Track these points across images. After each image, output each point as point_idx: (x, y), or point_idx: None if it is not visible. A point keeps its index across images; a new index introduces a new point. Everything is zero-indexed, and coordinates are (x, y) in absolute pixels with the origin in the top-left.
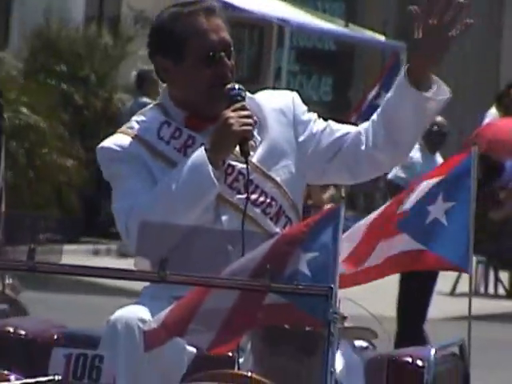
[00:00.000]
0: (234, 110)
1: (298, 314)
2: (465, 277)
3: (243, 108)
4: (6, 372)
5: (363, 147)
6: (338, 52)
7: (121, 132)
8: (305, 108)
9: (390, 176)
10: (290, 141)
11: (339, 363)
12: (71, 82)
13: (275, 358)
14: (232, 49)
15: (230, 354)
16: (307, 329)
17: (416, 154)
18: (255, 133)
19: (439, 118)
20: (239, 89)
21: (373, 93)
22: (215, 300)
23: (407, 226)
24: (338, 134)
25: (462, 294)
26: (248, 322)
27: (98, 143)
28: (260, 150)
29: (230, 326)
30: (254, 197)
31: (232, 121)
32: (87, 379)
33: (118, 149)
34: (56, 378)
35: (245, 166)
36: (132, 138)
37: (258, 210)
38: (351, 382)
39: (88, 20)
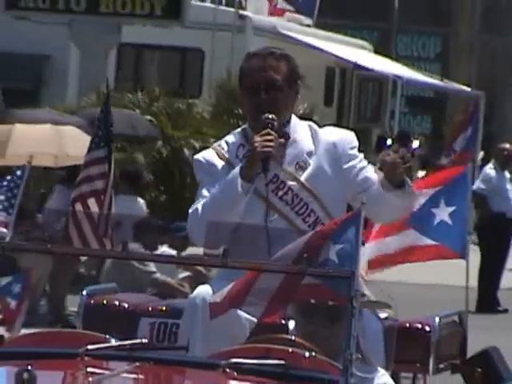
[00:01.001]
0: (260, 135)
1: (328, 291)
2: None
3: (268, 133)
4: (106, 336)
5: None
6: (436, 98)
7: (212, 148)
8: (355, 144)
9: (474, 187)
10: (335, 167)
11: (362, 330)
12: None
13: (311, 326)
14: (279, 85)
15: (283, 321)
16: (335, 303)
17: (492, 171)
18: (306, 156)
19: (507, 145)
20: (272, 118)
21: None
22: (265, 280)
23: (415, 223)
24: (367, 180)
25: None
26: (290, 297)
27: None
28: (309, 171)
29: (276, 300)
30: (297, 208)
31: (256, 144)
32: (167, 342)
33: (203, 161)
34: (143, 341)
35: (295, 183)
36: (217, 153)
37: (299, 218)
38: (372, 344)
39: None
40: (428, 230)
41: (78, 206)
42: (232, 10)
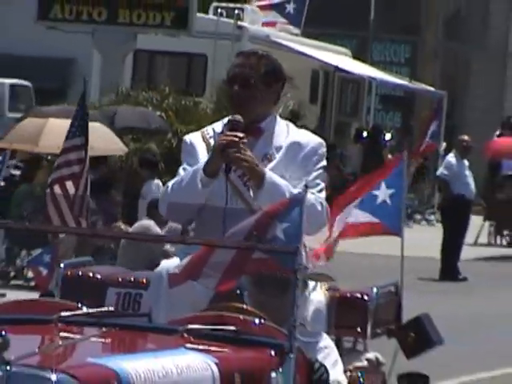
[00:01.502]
0: (225, 135)
1: (275, 265)
2: (483, 234)
3: (233, 135)
4: (79, 304)
5: None
6: (405, 97)
7: (200, 132)
8: (320, 152)
9: (438, 173)
10: (295, 165)
11: (307, 300)
12: None
13: (261, 296)
14: (253, 82)
15: (237, 292)
16: (282, 276)
17: (453, 159)
18: (274, 151)
19: (466, 137)
20: (237, 120)
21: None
22: (219, 255)
23: (361, 207)
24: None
25: (481, 244)
26: (241, 270)
27: None
28: (273, 163)
29: (229, 272)
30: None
31: (220, 142)
32: (131, 310)
33: (188, 142)
34: (110, 309)
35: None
36: (203, 137)
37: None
38: (316, 312)
39: None
40: (370, 208)
41: (57, 188)
42: (231, 21)
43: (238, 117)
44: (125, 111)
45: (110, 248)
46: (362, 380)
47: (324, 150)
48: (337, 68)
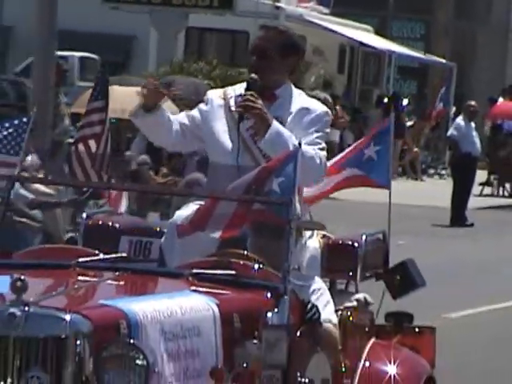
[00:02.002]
0: (244, 95)
1: (271, 215)
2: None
3: (251, 95)
4: (96, 251)
5: None
6: (420, 68)
7: (224, 89)
8: (324, 120)
9: (448, 134)
10: (300, 126)
11: (303, 247)
12: None
13: (259, 243)
14: (269, 53)
15: (239, 240)
16: (278, 225)
17: (461, 122)
18: (286, 115)
19: (473, 103)
20: (253, 79)
21: (441, 90)
22: (223, 207)
23: (349, 164)
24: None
25: (486, 195)
26: (242, 220)
27: None
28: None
29: (231, 223)
30: (263, 152)
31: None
32: (142, 256)
33: (208, 96)
34: (123, 255)
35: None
36: (224, 93)
37: (264, 161)
38: (311, 259)
39: None
40: (357, 163)
41: (81, 147)
42: (270, 2)
43: (255, 76)
44: (181, 80)
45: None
46: (350, 318)
47: (328, 118)
48: (361, 43)
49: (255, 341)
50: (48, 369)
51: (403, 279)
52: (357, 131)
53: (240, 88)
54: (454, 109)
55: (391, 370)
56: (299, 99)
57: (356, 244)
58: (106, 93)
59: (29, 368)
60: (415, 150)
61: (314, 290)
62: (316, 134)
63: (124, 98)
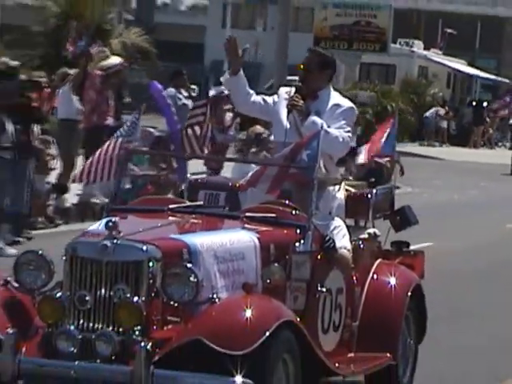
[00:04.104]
0: (291, 96)
1: (302, 176)
2: None
3: (296, 96)
4: (186, 201)
5: None
6: (494, 85)
7: (289, 89)
8: (349, 114)
9: (510, 122)
10: (332, 117)
11: (332, 199)
12: None
13: (296, 196)
14: (309, 67)
15: (281, 194)
16: (306, 183)
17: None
18: (324, 110)
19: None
20: (298, 84)
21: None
22: (269, 170)
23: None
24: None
25: None
26: (282, 180)
27: None
28: (321, 118)
29: (275, 181)
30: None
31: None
32: (212, 204)
33: (280, 90)
34: (199, 203)
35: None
36: (287, 93)
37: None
38: (339, 205)
39: None
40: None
41: (189, 131)
42: (407, 47)
43: (300, 84)
44: (361, 92)
45: None
46: (361, 246)
47: (354, 112)
48: (458, 70)
49: (277, 264)
50: (130, 283)
51: (402, 219)
52: (457, 121)
53: (292, 91)
54: None
55: (392, 280)
56: (334, 98)
57: (369, 195)
58: (206, 95)
59: (116, 283)
60: (490, 131)
61: (334, 227)
62: (343, 122)
63: None
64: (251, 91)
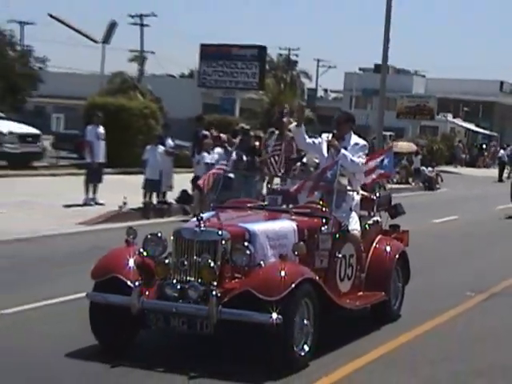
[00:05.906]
0: (330, 139)
1: (327, 186)
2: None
3: (332, 139)
4: (261, 202)
5: None
6: (489, 136)
7: (327, 135)
8: (364, 148)
9: (499, 155)
10: (353, 150)
11: (351, 200)
12: None
13: (326, 199)
14: (340, 121)
15: (316, 199)
16: (330, 190)
17: (501, 151)
18: (348, 146)
19: None
20: (333, 132)
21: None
22: (308, 183)
23: (381, 167)
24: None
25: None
26: (317, 188)
27: None
28: (347, 150)
29: (312, 190)
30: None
31: (329, 141)
32: (274, 204)
33: (323, 135)
34: (265, 203)
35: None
36: (327, 137)
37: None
38: (356, 204)
39: None
40: (381, 166)
41: (271, 160)
42: (442, 117)
43: (335, 131)
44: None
45: None
46: (367, 227)
47: (366, 146)
48: (471, 130)
49: (301, 243)
50: (210, 254)
51: (395, 211)
52: (469, 154)
53: (330, 135)
54: None
55: (387, 248)
56: (354, 139)
57: (374, 197)
58: (281, 133)
59: (202, 253)
60: (487, 160)
61: (350, 218)
62: (360, 153)
63: None
64: (307, 136)
